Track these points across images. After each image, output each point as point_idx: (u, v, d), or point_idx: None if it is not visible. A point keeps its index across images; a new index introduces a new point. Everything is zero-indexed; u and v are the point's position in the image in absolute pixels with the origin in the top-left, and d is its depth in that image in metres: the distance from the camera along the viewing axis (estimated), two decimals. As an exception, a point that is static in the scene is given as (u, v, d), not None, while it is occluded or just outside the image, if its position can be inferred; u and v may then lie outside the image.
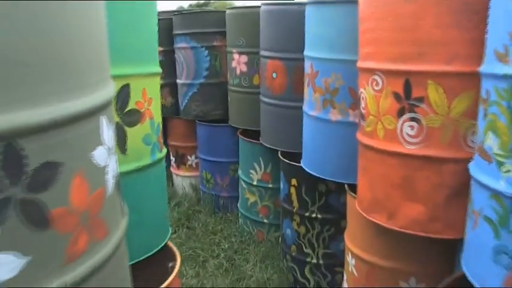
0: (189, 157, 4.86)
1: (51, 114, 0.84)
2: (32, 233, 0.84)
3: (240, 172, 4.01)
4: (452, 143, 1.82)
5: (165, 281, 1.76)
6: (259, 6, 3.55)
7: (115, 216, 1.10)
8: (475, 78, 1.60)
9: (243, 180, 3.93)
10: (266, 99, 3.48)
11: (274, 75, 3.32)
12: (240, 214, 4.08)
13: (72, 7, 0.88)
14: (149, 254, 1.79)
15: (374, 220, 2.13)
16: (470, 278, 1.54)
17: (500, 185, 1.38)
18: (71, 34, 0.88)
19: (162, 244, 1.87)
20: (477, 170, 1.54)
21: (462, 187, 1.78)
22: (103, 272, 1.02)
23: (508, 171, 1.36)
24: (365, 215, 2.19)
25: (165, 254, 1.90)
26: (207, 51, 4.27)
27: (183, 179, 4.95)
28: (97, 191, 0.99)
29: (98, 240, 1.00)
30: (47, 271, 0.87)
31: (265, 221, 3.84)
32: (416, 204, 1.95)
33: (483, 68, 1.51)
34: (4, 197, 0.79)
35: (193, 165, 4.88)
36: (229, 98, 4.20)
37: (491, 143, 1.42)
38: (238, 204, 4.13)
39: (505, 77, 1.32)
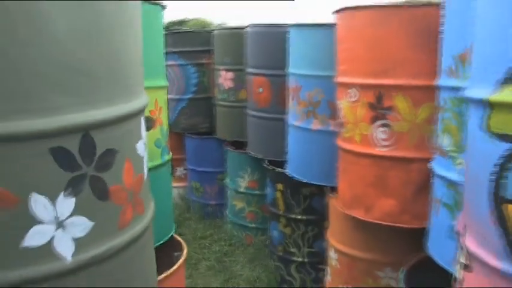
0: (177, 168, 5.11)
1: (113, 113, 1.12)
2: (97, 203, 1.11)
3: (227, 180, 4.28)
4: (418, 145, 2.15)
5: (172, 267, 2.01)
6: (243, 27, 3.88)
7: (148, 198, 1.38)
8: (434, 90, 1.93)
9: (231, 188, 4.20)
10: (252, 112, 3.79)
11: (260, 90, 3.63)
12: (228, 220, 4.34)
13: (128, 32, 1.17)
14: (159, 243, 2.04)
15: (353, 215, 2.43)
16: (432, 255, 1.85)
17: (454, 176, 1.71)
18: (128, 55, 1.17)
19: (170, 235, 2.13)
20: (437, 165, 1.87)
21: (426, 183, 2.10)
22: (141, 241, 1.29)
23: (460, 163, 1.68)
24: (345, 211, 2.49)
25: (172, 244, 2.15)
26: (194, 69, 4.57)
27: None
28: (139, 175, 1.26)
29: (139, 214, 1.27)
30: (106, 234, 1.14)
31: (252, 225, 4.11)
32: (388, 199, 2.27)
33: (439, 82, 1.85)
34: (81, 173, 1.06)
35: (182, 176, 5.13)
36: (215, 112, 4.49)
37: (446, 142, 1.75)
38: (226, 211, 4.39)
39: (455, 88, 1.66)
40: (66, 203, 1.05)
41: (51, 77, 0.99)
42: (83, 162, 1.06)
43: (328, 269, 3.04)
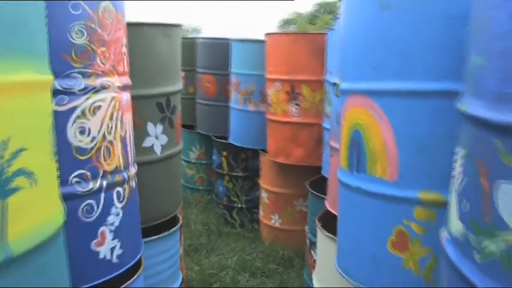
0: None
1: (176, 89, 2.43)
2: (170, 129, 2.41)
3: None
4: (316, 115, 3.64)
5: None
6: (193, 38, 5.20)
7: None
8: (323, 82, 3.42)
9: (184, 160, 5.48)
10: (202, 101, 5.11)
11: (208, 85, 4.97)
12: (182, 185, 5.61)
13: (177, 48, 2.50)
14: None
15: (278, 160, 3.88)
16: (325, 173, 3.33)
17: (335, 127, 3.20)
18: (177, 60, 2.50)
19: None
20: (326, 124, 3.36)
21: (321, 137, 3.59)
22: (178, 156, 2.61)
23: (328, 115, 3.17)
24: (273, 158, 3.93)
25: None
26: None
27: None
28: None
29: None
30: (172, 145, 2.45)
31: (200, 188, 5.43)
32: (299, 149, 3.74)
33: (326, 77, 3.35)
34: (166, 115, 2.36)
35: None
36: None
37: (329, 109, 3.24)
38: (179, 179, 5.66)
39: (332, 83, 3.14)
40: (159, 128, 2.35)
41: (159, 72, 2.29)
42: (166, 110, 2.37)
43: (261, 206, 4.47)
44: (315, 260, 3.03)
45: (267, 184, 4.29)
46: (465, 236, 1.03)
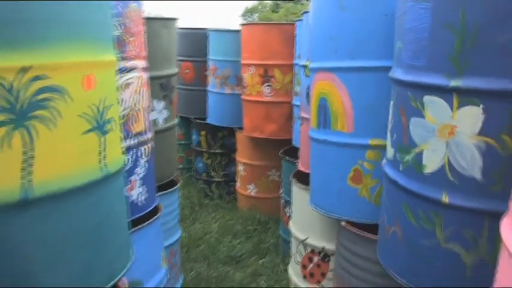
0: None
1: (173, 72, 2.94)
2: (169, 105, 2.92)
3: (160, 137, 6.03)
4: (286, 94, 4.21)
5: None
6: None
7: (176, 110, 3.22)
8: (293, 66, 3.99)
9: (164, 141, 5.95)
10: (181, 86, 5.58)
11: (186, 71, 5.45)
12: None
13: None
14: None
15: (253, 135, 4.44)
16: (295, 144, 3.92)
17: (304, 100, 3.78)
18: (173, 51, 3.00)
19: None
20: (295, 101, 3.93)
21: (291, 114, 4.16)
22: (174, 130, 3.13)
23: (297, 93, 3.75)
24: (248, 134, 4.48)
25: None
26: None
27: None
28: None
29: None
30: (171, 117, 2.96)
31: (180, 166, 5.92)
32: (272, 124, 4.31)
33: (295, 61, 3.91)
34: (167, 93, 2.87)
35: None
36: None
37: (298, 88, 3.81)
38: (159, 159, 6.13)
39: (299, 64, 3.71)
40: (161, 103, 2.85)
41: (162, 57, 2.79)
42: (167, 89, 2.87)
43: (238, 179, 5.03)
44: (289, 216, 3.62)
45: (243, 158, 4.85)
46: (394, 155, 1.63)
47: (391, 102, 1.70)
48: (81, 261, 1.35)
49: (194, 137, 5.49)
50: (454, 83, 1.35)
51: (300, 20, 3.57)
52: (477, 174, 1.37)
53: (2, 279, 1.20)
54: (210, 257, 3.88)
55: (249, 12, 32.46)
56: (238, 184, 5.04)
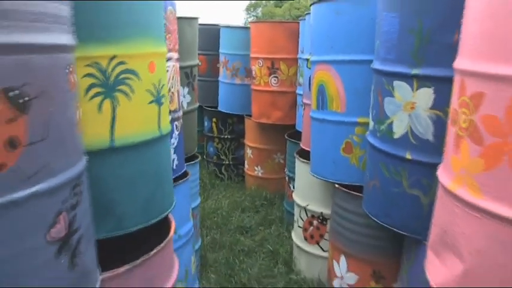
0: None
1: (193, 63, 3.46)
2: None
3: (174, 123, 6.57)
4: (291, 84, 4.74)
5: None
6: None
7: (197, 96, 3.75)
8: (297, 60, 4.51)
9: (177, 128, 6.48)
10: (194, 77, 6.11)
11: (199, 63, 5.97)
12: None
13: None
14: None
15: (261, 121, 4.97)
16: (298, 128, 4.44)
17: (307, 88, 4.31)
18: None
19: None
20: (299, 91, 4.45)
21: (295, 102, 4.69)
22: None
23: (300, 83, 4.28)
24: (257, 120, 5.02)
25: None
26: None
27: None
28: (198, 85, 3.63)
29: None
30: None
31: (192, 150, 6.45)
32: (278, 111, 4.84)
33: (299, 56, 4.43)
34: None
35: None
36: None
37: (301, 79, 4.34)
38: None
39: (303, 58, 4.23)
40: (186, 89, 3.37)
41: (187, 50, 3.31)
42: (190, 77, 3.39)
43: (246, 161, 5.56)
44: (292, 191, 4.16)
45: (251, 142, 5.38)
46: (373, 127, 2.16)
47: (372, 88, 2.23)
48: (146, 193, 1.88)
49: (206, 123, 6.02)
50: (414, 71, 1.88)
51: (303, 19, 4.09)
52: (430, 137, 1.90)
53: (93, 204, 1.74)
54: (222, 226, 4.42)
55: (252, 7, 32.81)
56: (246, 166, 5.58)
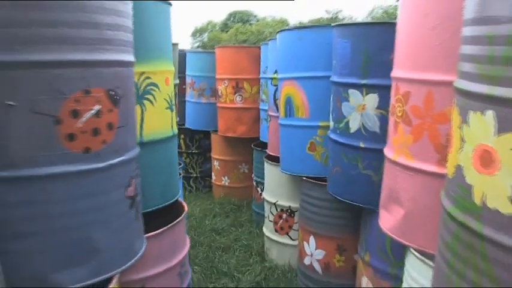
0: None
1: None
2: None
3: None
4: (254, 102, 5.36)
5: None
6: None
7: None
8: (259, 80, 5.16)
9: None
10: (161, 98, 6.62)
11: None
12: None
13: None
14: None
15: (228, 135, 5.54)
16: (262, 139, 5.06)
17: (272, 102, 4.95)
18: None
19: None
20: (262, 106, 5.09)
21: (258, 117, 5.31)
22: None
23: (263, 100, 4.92)
24: (223, 134, 5.59)
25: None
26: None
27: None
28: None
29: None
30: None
31: (160, 166, 6.89)
32: (242, 126, 5.45)
33: (261, 75, 5.08)
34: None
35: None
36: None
37: (263, 96, 4.98)
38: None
39: (270, 78, 4.89)
40: (170, 105, 3.91)
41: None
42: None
43: (213, 173, 6.09)
44: (260, 193, 4.75)
45: (218, 155, 5.94)
46: (334, 126, 2.82)
47: (331, 96, 2.90)
48: (164, 180, 2.41)
49: (174, 140, 6.51)
50: (363, 82, 2.56)
51: (265, 43, 4.76)
52: (377, 130, 2.57)
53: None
54: (198, 229, 4.91)
55: (198, 32, 33.45)
56: (213, 177, 6.10)
